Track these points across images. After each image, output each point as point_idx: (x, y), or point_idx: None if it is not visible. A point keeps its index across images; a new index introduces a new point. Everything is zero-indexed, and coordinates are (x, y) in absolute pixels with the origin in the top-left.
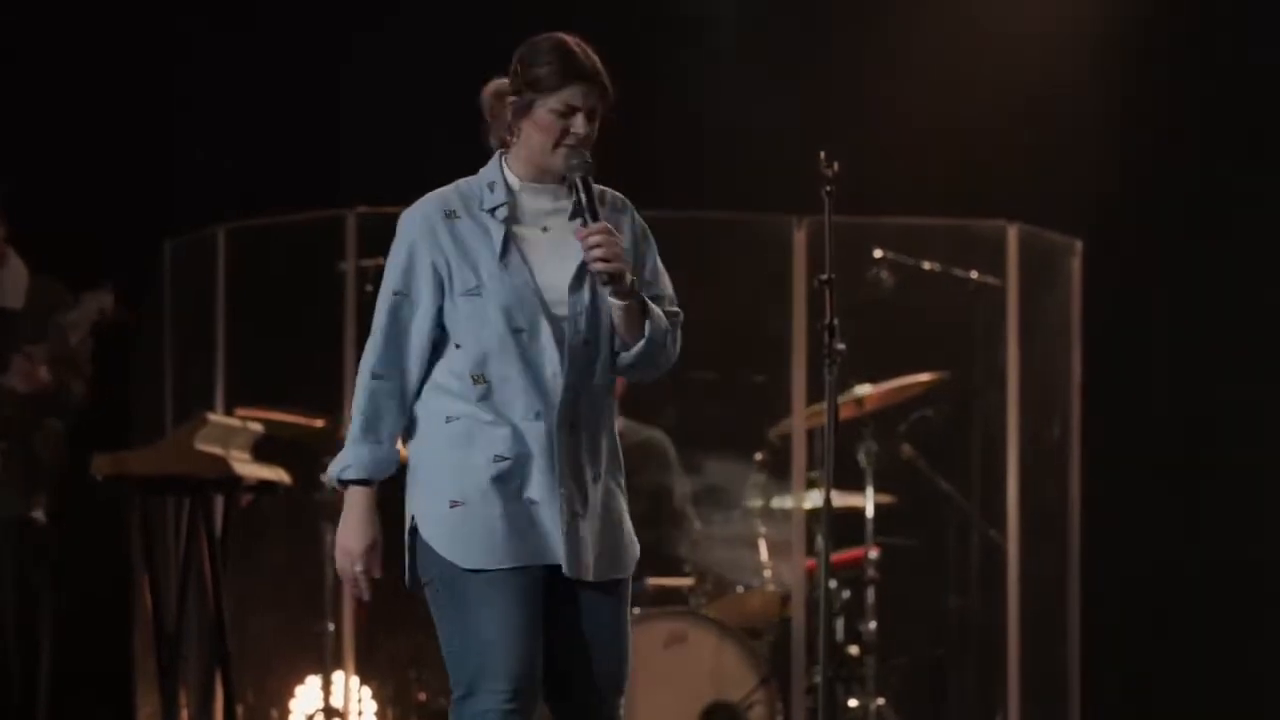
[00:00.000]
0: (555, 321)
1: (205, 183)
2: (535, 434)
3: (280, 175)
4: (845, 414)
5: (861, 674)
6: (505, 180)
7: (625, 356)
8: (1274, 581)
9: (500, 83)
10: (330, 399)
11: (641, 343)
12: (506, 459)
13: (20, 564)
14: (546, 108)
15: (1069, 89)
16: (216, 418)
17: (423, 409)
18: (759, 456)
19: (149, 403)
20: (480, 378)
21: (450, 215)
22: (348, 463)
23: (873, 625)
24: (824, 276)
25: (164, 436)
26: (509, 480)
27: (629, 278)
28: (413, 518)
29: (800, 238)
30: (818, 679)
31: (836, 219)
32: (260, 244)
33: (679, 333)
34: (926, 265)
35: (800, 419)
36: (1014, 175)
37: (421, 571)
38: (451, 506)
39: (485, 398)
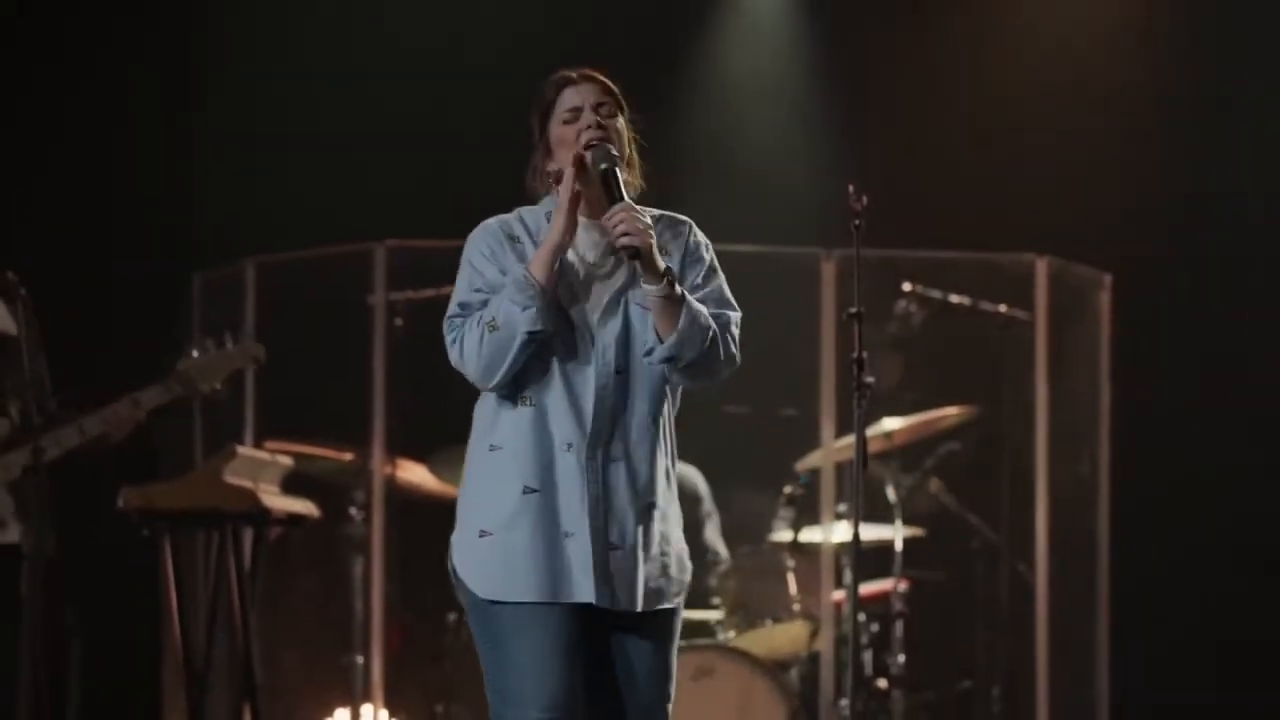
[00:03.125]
0: (591, 353)
1: (235, 216)
2: (567, 465)
3: (310, 208)
4: (874, 448)
5: (889, 707)
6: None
7: (660, 351)
8: None
9: (533, 159)
10: (359, 432)
11: (674, 336)
12: (535, 490)
13: (49, 599)
14: (557, 123)
15: (1097, 123)
16: (246, 451)
17: (476, 429)
18: (788, 490)
19: (178, 435)
20: (527, 401)
21: (514, 239)
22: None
23: (901, 658)
24: (853, 310)
25: (193, 469)
26: (538, 512)
27: (659, 261)
28: (452, 544)
29: (829, 271)
30: (846, 712)
31: (865, 252)
32: (290, 277)
33: (735, 334)
34: (955, 299)
35: (829, 452)
36: (1043, 209)
37: (459, 598)
38: (480, 536)
39: (530, 424)
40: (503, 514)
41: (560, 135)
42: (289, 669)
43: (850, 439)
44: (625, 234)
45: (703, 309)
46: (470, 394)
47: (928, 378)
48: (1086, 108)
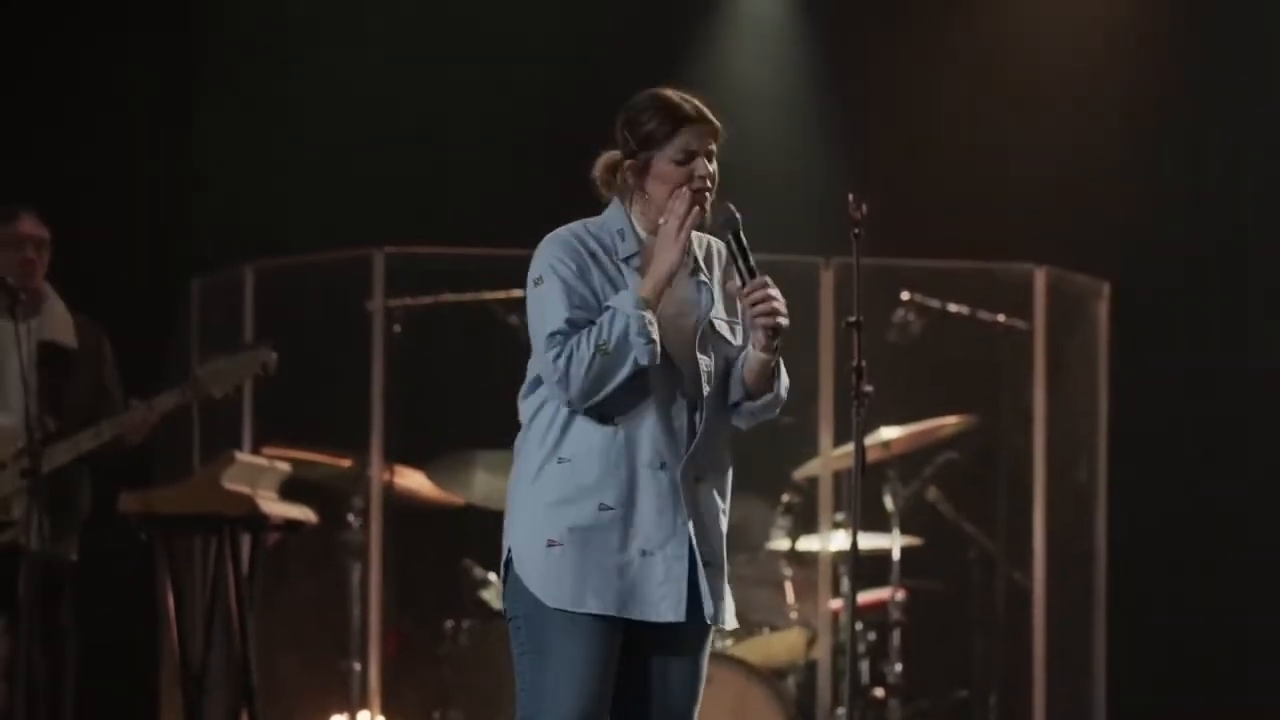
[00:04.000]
0: (684, 374)
1: (234, 221)
2: (659, 484)
3: (309, 214)
4: (872, 456)
5: (886, 716)
6: (635, 229)
7: (750, 406)
8: None
9: (609, 155)
10: (357, 438)
11: (769, 396)
12: (611, 508)
13: (46, 602)
14: (665, 159)
15: (1096, 132)
16: (244, 456)
17: (537, 441)
18: (786, 498)
19: (177, 441)
20: (610, 420)
21: (594, 256)
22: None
23: (898, 667)
24: (851, 318)
25: (191, 475)
26: (611, 530)
27: (784, 321)
28: (509, 550)
29: (827, 279)
30: None
31: (864, 261)
32: (288, 283)
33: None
34: (953, 308)
35: (827, 461)
36: (1041, 218)
37: (510, 605)
38: (549, 546)
39: (612, 443)
40: (575, 527)
41: (666, 173)
42: (286, 674)
43: (848, 447)
44: (766, 314)
45: (784, 373)
46: (470, 401)
47: (926, 387)
48: (1085, 117)
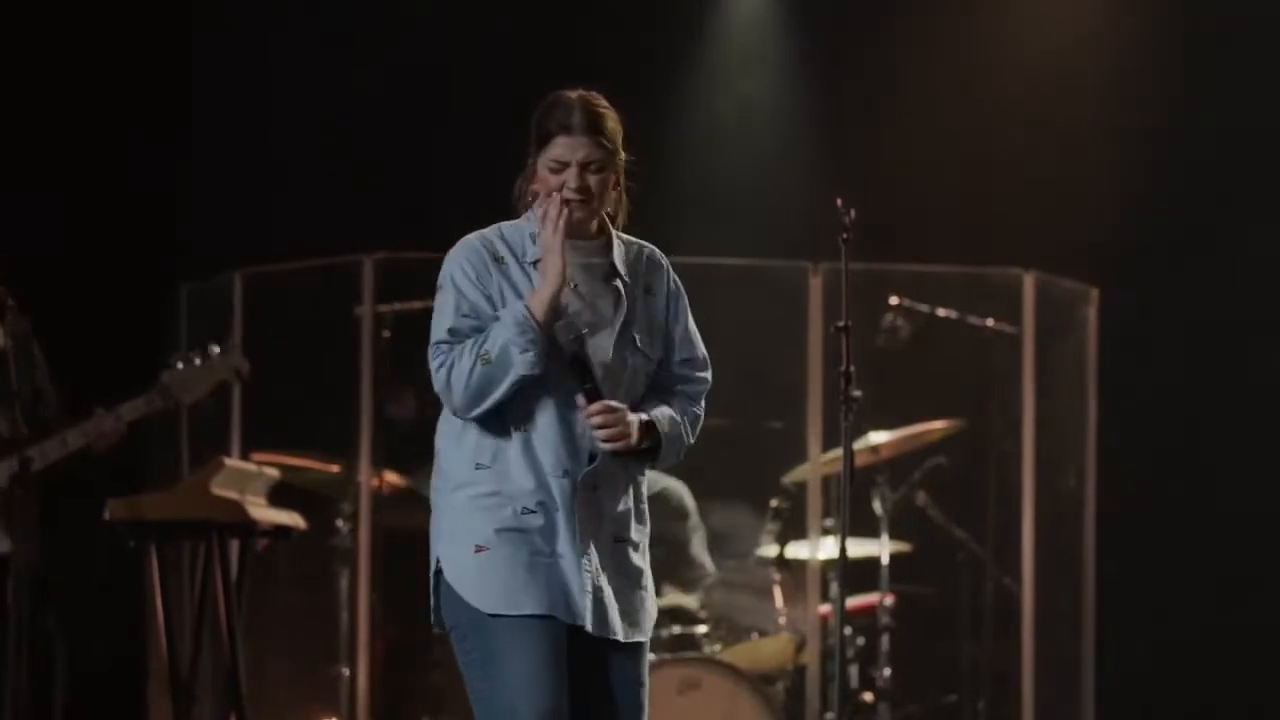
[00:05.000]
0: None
1: (222, 227)
2: (560, 490)
3: (297, 220)
4: (861, 461)
5: None
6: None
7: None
8: None
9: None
10: (346, 444)
11: (659, 463)
12: (533, 512)
13: (34, 609)
14: (543, 165)
15: (1085, 138)
16: (232, 462)
17: (453, 447)
18: (774, 503)
19: (165, 447)
20: (517, 427)
21: (498, 260)
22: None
23: (887, 672)
24: (840, 323)
25: (180, 480)
26: (534, 532)
27: (633, 442)
28: (438, 560)
29: (816, 284)
30: None
31: (852, 266)
32: (277, 289)
33: (702, 406)
34: (942, 313)
35: (816, 466)
36: (1030, 223)
37: (446, 615)
38: (476, 551)
39: (521, 450)
40: (501, 529)
41: (542, 177)
42: (275, 680)
43: (837, 452)
44: (607, 440)
45: (671, 427)
46: None
47: (915, 392)
48: (1073, 122)
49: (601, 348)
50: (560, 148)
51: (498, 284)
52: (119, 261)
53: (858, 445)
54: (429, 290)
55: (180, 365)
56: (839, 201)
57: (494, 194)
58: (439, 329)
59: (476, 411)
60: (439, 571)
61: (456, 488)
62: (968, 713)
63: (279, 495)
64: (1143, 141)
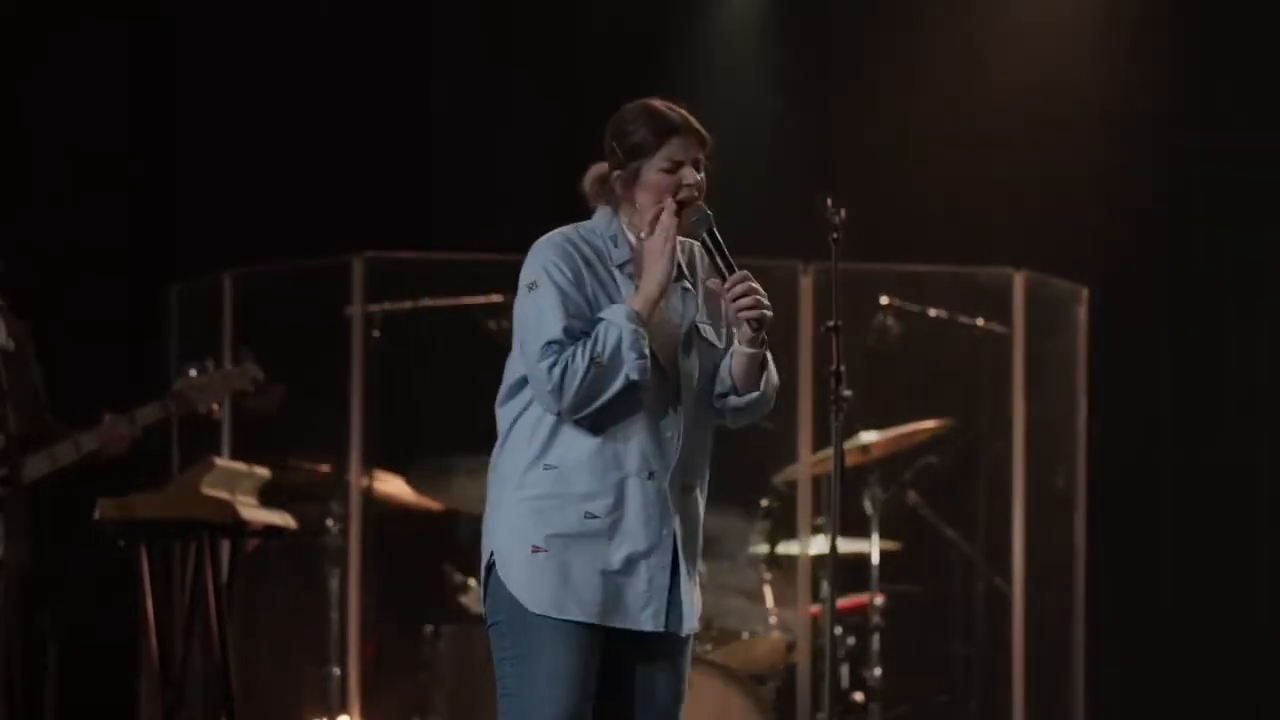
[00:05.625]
0: (672, 383)
1: (212, 228)
2: (646, 493)
3: (287, 220)
4: (851, 460)
5: None
6: (627, 236)
7: (734, 401)
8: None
9: (599, 167)
10: (337, 444)
11: (755, 394)
12: (596, 517)
13: (25, 609)
14: (653, 169)
15: (1075, 137)
16: (223, 462)
17: (523, 444)
18: (765, 503)
19: (155, 446)
20: (600, 430)
21: (589, 264)
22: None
23: (877, 672)
24: (830, 323)
25: (170, 480)
26: (595, 538)
27: (769, 314)
28: (491, 554)
29: (806, 284)
30: None
31: (843, 265)
32: (267, 289)
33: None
34: (933, 312)
35: (806, 466)
36: (1020, 223)
37: (491, 610)
38: (534, 552)
39: (599, 453)
40: (560, 533)
41: (655, 181)
42: (266, 680)
43: (828, 452)
44: (750, 307)
45: (774, 369)
46: (449, 406)
47: (905, 391)
48: (1063, 120)
49: (681, 350)
50: (676, 147)
51: (591, 285)
52: (109, 262)
53: (848, 445)
54: (419, 290)
55: (195, 373)
56: (829, 201)
57: (483, 193)
58: (550, 328)
59: (582, 413)
60: (491, 565)
61: (519, 486)
62: (959, 712)
63: (270, 495)
64: (1133, 141)
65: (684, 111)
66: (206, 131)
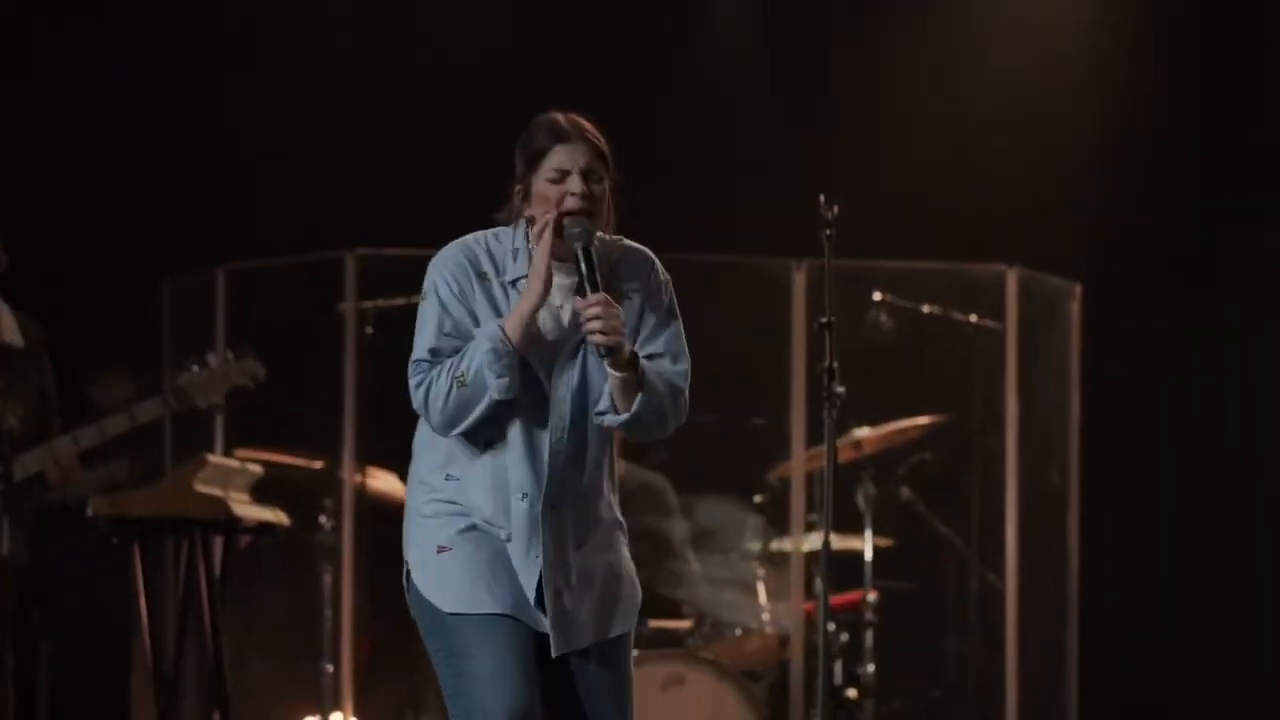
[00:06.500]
0: (548, 405)
1: (205, 224)
2: (519, 513)
3: (280, 217)
4: (844, 457)
5: (859, 717)
6: (529, 252)
7: (609, 419)
8: (1272, 624)
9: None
10: (329, 440)
11: (624, 416)
12: (496, 526)
13: (24, 607)
14: (541, 179)
15: (1068, 134)
16: (216, 459)
17: (427, 452)
18: (758, 499)
19: (148, 443)
20: (485, 446)
21: (481, 276)
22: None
23: (871, 668)
24: (824, 319)
25: (163, 477)
26: (496, 539)
27: (626, 349)
28: (407, 563)
29: (800, 280)
30: None
31: (836, 262)
32: (260, 285)
33: (685, 394)
34: (926, 309)
35: (800, 462)
36: (1013, 219)
37: (416, 617)
38: (439, 552)
39: (488, 469)
40: (464, 530)
41: (542, 191)
42: (259, 677)
43: (821, 448)
44: (600, 331)
45: (659, 383)
46: None
47: (898, 387)
48: (1056, 117)
49: (558, 369)
50: (560, 156)
51: (481, 300)
52: (102, 258)
53: (841, 441)
54: (412, 286)
55: (196, 368)
56: (823, 198)
57: (475, 189)
58: (420, 346)
59: (454, 431)
60: (408, 573)
61: (425, 491)
62: (952, 708)
63: (262, 492)
64: (1126, 137)
65: (583, 121)
66: (201, 125)
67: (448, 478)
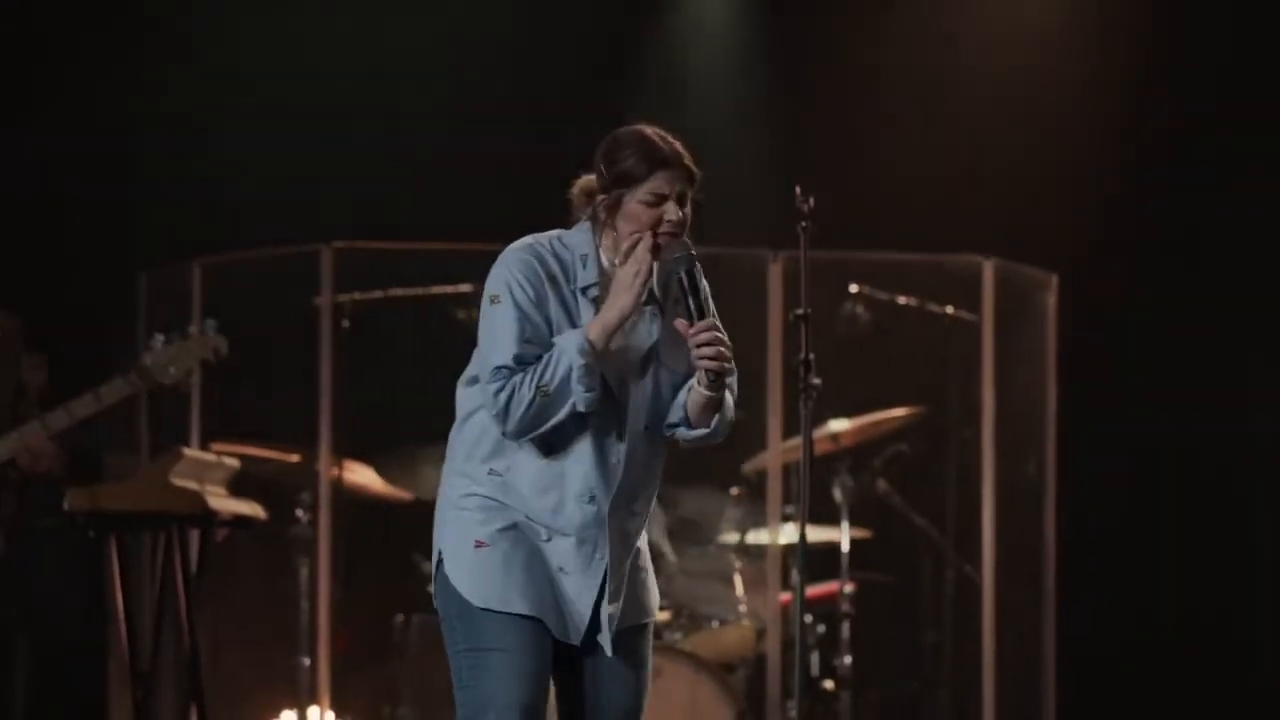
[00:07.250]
0: (624, 407)
1: (181, 217)
2: (584, 516)
3: (257, 210)
4: (821, 449)
5: (836, 709)
6: (599, 259)
7: (684, 433)
8: (1249, 616)
9: (587, 180)
10: (306, 433)
11: (704, 431)
12: (538, 524)
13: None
14: (636, 199)
15: (1043, 125)
16: (192, 452)
17: (471, 445)
18: (735, 491)
19: (124, 436)
20: (547, 448)
21: (553, 281)
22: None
23: (847, 660)
24: (800, 311)
25: (139, 471)
26: (536, 539)
27: (729, 365)
28: (439, 552)
29: (776, 272)
30: (792, 713)
31: (812, 254)
32: (236, 278)
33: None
34: (902, 300)
35: (776, 454)
36: (989, 211)
37: (441, 605)
38: (477, 547)
39: (544, 471)
40: (503, 529)
41: (635, 212)
42: (235, 670)
43: (797, 440)
44: (710, 358)
45: (732, 404)
46: (419, 396)
47: (875, 379)
48: (1032, 109)
49: (633, 378)
50: (661, 181)
51: (554, 305)
52: (77, 251)
53: (818, 433)
54: (388, 280)
55: (158, 346)
56: (798, 189)
57: (455, 184)
58: (503, 352)
59: (525, 437)
60: (439, 562)
61: (466, 484)
62: (928, 700)
63: (239, 485)
64: (1103, 129)
65: (678, 145)
66: (177, 117)
67: (490, 472)
